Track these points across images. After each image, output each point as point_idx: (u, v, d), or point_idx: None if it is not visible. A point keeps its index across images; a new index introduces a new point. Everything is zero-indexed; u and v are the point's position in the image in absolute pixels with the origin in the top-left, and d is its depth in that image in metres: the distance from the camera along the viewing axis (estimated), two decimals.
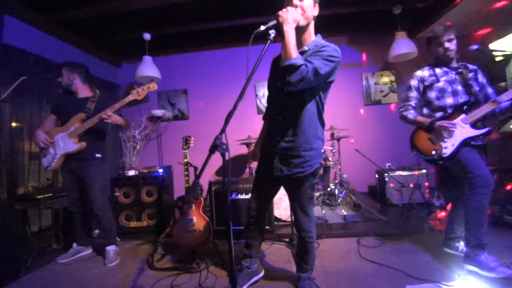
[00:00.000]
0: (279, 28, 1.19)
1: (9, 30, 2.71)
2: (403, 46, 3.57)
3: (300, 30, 1.31)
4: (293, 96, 1.37)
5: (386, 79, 4.22)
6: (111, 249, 2.26)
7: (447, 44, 1.80)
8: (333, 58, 1.26)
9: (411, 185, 3.21)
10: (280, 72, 1.33)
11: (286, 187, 1.59)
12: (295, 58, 1.18)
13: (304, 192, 1.48)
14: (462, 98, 1.79)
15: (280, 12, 1.20)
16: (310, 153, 1.42)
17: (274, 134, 1.48)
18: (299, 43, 1.34)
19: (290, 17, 1.20)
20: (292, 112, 1.40)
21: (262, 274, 1.79)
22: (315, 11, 1.35)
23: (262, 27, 1.18)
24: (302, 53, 1.32)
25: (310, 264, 1.60)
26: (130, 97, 2.10)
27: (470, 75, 1.81)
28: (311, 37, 1.41)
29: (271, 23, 1.19)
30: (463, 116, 1.75)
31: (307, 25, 1.35)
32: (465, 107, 1.76)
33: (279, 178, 1.49)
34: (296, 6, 1.28)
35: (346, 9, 3.39)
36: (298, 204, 1.51)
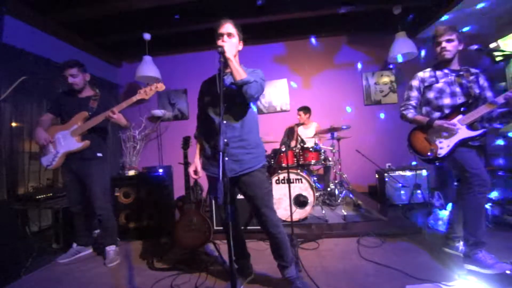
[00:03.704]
0: (223, 55, 1.43)
1: (9, 30, 2.71)
2: (403, 46, 3.57)
3: None
4: (236, 103, 1.52)
5: (386, 79, 4.22)
6: (111, 249, 2.26)
7: (444, 44, 1.80)
8: (264, 77, 1.57)
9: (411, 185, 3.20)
10: (227, 87, 1.55)
11: (243, 189, 1.59)
12: (247, 77, 1.44)
13: (262, 186, 1.56)
14: (460, 100, 1.81)
15: (222, 44, 1.46)
16: (257, 149, 1.60)
17: (219, 139, 1.37)
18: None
19: (230, 47, 1.45)
20: (237, 117, 1.56)
21: (253, 276, 1.82)
22: (239, 47, 1.63)
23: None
24: None
25: (289, 256, 1.62)
26: (138, 96, 2.09)
27: (471, 78, 1.81)
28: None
29: (218, 50, 1.43)
30: (460, 117, 1.76)
31: (234, 56, 1.56)
32: (462, 108, 1.77)
33: (234, 179, 1.55)
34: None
35: (346, 9, 3.39)
36: (260, 201, 1.55)
